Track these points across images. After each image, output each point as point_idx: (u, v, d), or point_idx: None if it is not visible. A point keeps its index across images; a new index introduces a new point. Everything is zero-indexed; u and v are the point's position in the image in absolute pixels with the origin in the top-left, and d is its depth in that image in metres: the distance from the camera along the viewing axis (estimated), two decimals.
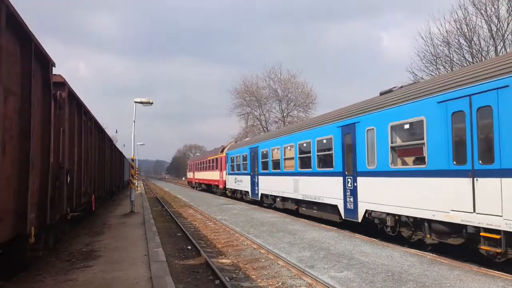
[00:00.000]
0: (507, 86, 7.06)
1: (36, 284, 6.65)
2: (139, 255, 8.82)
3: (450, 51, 25.39)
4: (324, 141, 13.70)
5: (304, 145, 15.34)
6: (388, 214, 10.21)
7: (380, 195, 10.47)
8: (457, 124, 8.12)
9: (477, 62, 24.23)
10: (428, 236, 9.10)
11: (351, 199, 11.87)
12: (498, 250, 7.29)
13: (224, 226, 14.70)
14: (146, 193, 39.44)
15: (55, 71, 7.01)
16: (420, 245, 10.16)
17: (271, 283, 7.55)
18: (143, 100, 18.91)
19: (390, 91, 11.36)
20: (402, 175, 9.70)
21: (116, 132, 76.69)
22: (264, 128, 52.38)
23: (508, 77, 7.07)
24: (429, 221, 8.92)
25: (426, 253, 9.32)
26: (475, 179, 7.59)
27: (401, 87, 11.21)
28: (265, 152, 19.98)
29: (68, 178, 8.52)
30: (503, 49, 23.35)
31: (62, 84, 7.94)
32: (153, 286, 6.34)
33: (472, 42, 24.40)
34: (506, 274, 7.29)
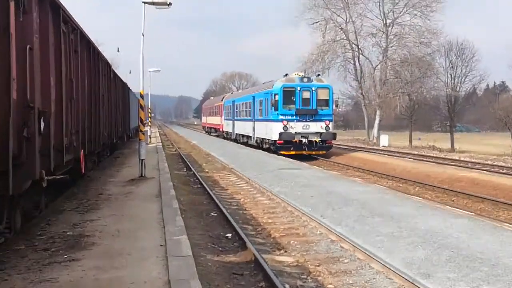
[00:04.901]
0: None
1: None
2: (152, 245, 9.08)
3: None
4: (248, 103, 43.19)
5: (245, 103, 44.24)
6: (259, 138, 39.56)
7: (258, 130, 39.77)
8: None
9: None
10: (264, 145, 38.46)
11: (254, 133, 40.94)
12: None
13: (284, 203, 14.87)
14: (164, 147, 40.45)
15: None
16: None
17: None
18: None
19: (263, 83, 43.83)
20: (260, 121, 38.84)
21: (118, 50, 76.47)
22: (353, 45, 50.82)
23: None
24: (264, 139, 38.59)
25: None
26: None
27: (266, 82, 42.33)
28: (236, 105, 48.18)
29: (43, 124, 8.63)
30: None
31: None
32: None
33: None
34: None
